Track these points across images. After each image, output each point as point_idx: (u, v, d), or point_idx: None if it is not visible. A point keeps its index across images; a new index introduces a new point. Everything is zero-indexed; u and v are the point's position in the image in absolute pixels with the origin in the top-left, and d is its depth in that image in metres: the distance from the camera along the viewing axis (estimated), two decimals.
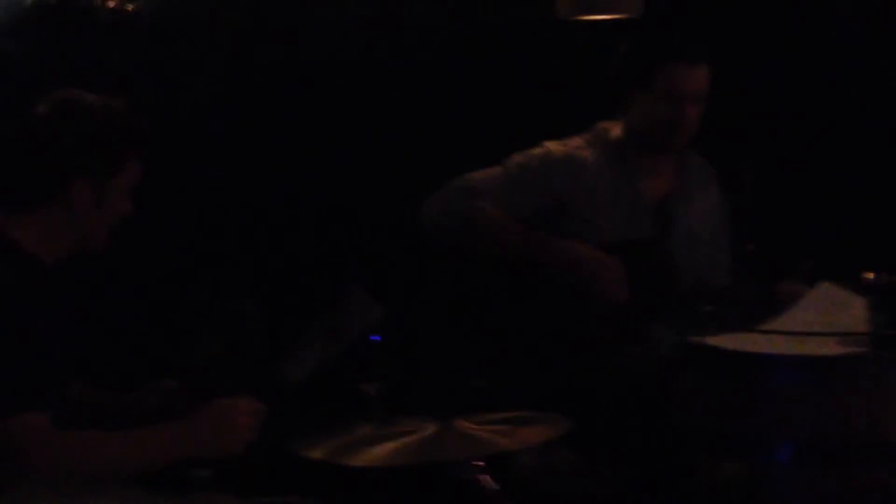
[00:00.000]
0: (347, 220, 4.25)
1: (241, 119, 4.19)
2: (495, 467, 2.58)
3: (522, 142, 3.55)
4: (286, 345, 2.67)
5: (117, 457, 2.45)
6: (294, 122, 4.22)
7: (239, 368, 2.69)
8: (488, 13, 4.21)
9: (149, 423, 2.56)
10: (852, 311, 2.81)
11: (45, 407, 2.42)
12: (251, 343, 2.80)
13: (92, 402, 2.79)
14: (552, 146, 3.52)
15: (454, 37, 4.24)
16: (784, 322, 2.91)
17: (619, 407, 3.20)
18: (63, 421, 2.45)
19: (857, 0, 4.09)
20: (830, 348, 2.69)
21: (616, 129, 3.54)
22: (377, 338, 2.69)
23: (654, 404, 2.99)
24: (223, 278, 4.13)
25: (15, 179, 2.61)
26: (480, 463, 2.55)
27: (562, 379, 3.27)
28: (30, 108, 2.63)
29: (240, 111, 4.19)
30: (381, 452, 2.46)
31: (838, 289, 2.97)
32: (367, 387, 2.68)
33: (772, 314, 2.96)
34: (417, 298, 4.08)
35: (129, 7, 3.82)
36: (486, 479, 2.55)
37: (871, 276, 2.72)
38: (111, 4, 3.80)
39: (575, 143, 3.54)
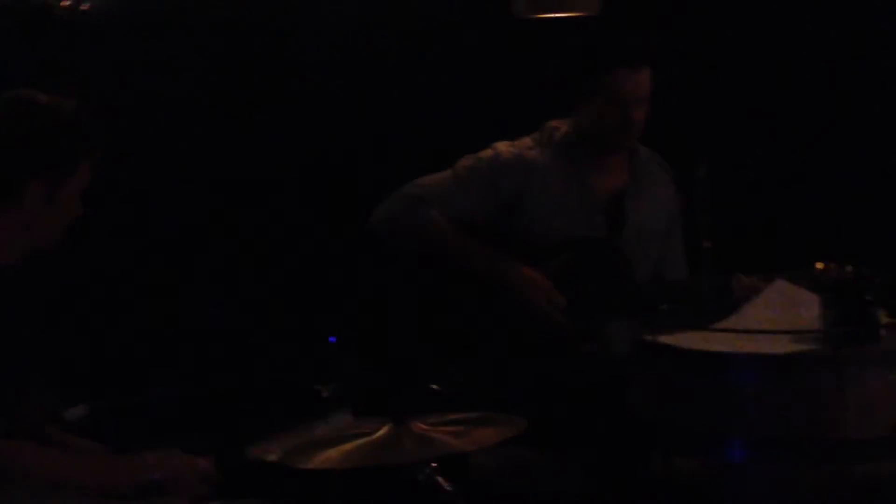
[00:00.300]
0: (306, 223, 4.24)
1: (202, 118, 4.17)
2: (451, 468, 2.58)
3: (476, 141, 3.55)
4: (261, 430, 2.65)
5: (50, 473, 2.44)
6: (254, 123, 4.21)
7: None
8: (445, 11, 4.21)
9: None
10: (805, 309, 2.83)
11: None
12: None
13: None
14: (501, 147, 3.52)
15: (408, 35, 4.23)
16: (738, 320, 2.93)
17: (576, 405, 3.21)
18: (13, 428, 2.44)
19: None
20: (784, 346, 2.71)
21: (565, 128, 3.54)
22: (333, 339, 2.68)
23: (610, 402, 3.00)
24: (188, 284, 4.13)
25: None
26: (436, 464, 2.55)
27: (518, 378, 3.28)
28: None
29: (201, 110, 4.18)
30: (336, 454, 2.45)
31: (792, 287, 2.99)
32: (323, 388, 2.68)
33: (728, 310, 2.98)
34: (373, 300, 4.08)
35: (85, 6, 3.79)
36: (442, 481, 2.55)
37: (821, 266, 2.73)
38: (66, 4, 3.77)
39: (524, 144, 3.54)
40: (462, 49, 4.25)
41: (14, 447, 2.43)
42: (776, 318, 2.89)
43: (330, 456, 2.45)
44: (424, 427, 2.52)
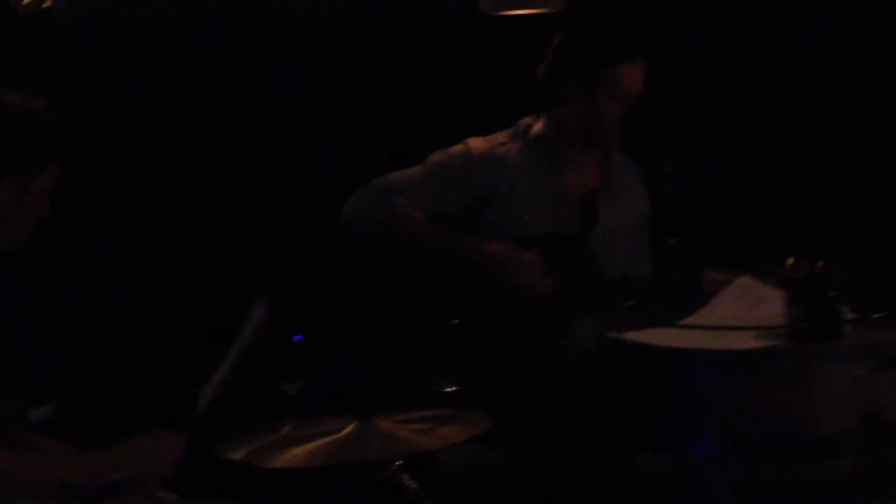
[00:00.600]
0: (267, 220, 4.23)
1: (164, 116, 4.15)
2: (416, 466, 2.57)
3: (445, 138, 3.54)
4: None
5: (15, 473, 2.43)
6: (217, 120, 4.19)
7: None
8: (411, 8, 4.20)
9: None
10: (770, 305, 2.84)
11: None
12: None
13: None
14: (473, 143, 3.52)
15: (375, 33, 4.22)
16: (703, 316, 2.94)
17: (542, 402, 3.21)
18: None
19: None
20: (748, 342, 2.72)
21: (539, 125, 3.55)
22: (298, 337, 2.68)
23: (577, 399, 3.01)
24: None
25: None
26: (401, 462, 2.54)
27: (483, 375, 3.28)
28: None
29: (163, 109, 4.16)
30: (300, 453, 2.44)
31: (756, 283, 3.00)
32: (288, 387, 2.67)
33: (693, 307, 2.99)
34: (338, 297, 4.07)
35: (47, 4, 3.77)
36: (407, 479, 2.55)
37: (791, 261, 2.73)
38: (26, 2, 3.74)
39: (497, 139, 3.54)
40: (430, 46, 4.24)
41: None
42: (741, 314, 2.90)
43: (295, 454, 2.44)
44: (390, 425, 2.52)
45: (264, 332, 2.61)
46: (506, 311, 3.33)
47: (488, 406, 2.61)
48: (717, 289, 3.09)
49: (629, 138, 3.52)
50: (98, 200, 4.00)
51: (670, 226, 3.40)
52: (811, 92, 4.08)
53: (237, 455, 2.47)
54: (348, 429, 2.51)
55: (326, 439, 2.48)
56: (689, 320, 2.94)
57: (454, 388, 2.91)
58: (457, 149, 3.51)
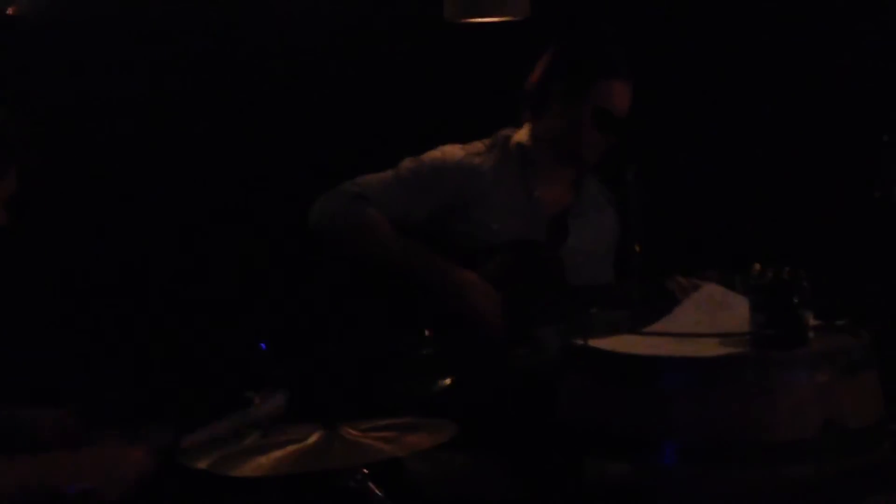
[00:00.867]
0: (236, 223, 4.21)
1: (133, 120, 4.13)
2: (382, 474, 2.57)
3: (412, 145, 3.54)
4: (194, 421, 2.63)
5: None
6: (187, 125, 4.18)
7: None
8: (376, 14, 4.20)
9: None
10: (734, 312, 2.85)
11: None
12: None
13: None
14: (449, 151, 3.52)
15: (340, 38, 4.22)
16: (668, 323, 2.95)
17: (507, 409, 3.21)
18: None
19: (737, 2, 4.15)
20: (713, 349, 2.73)
21: (518, 137, 3.54)
22: (263, 345, 2.67)
23: (541, 406, 3.00)
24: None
25: None
26: (366, 470, 2.54)
27: (451, 383, 3.27)
28: None
29: (132, 113, 4.14)
30: (266, 462, 2.43)
31: (721, 289, 3.01)
32: (253, 395, 2.66)
33: (657, 314, 3.00)
34: (303, 304, 4.06)
35: (10, 10, 3.75)
36: (373, 487, 2.55)
37: (758, 267, 2.75)
38: None
39: (473, 149, 3.54)
40: (395, 53, 4.25)
41: None
42: (705, 321, 2.92)
43: (260, 463, 2.44)
44: (355, 433, 2.52)
45: (275, 421, 2.60)
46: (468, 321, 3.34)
47: (453, 413, 2.61)
48: (684, 294, 3.10)
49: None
50: (64, 206, 3.98)
51: (634, 233, 3.41)
52: (779, 97, 4.11)
53: (202, 464, 2.46)
54: (314, 437, 2.50)
55: (292, 448, 2.47)
56: (653, 327, 2.95)
57: (420, 395, 2.91)
58: (430, 155, 3.50)
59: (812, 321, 2.78)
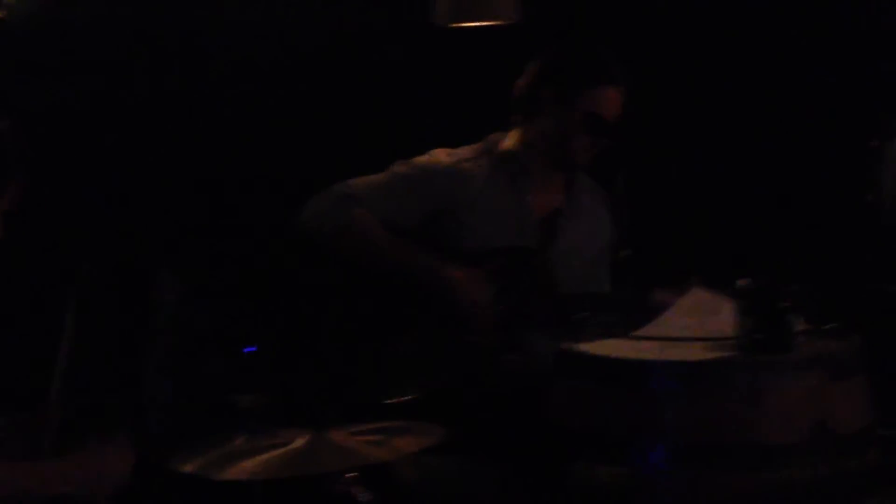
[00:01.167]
0: (225, 227, 4.21)
1: (117, 125, 4.13)
2: (370, 478, 2.56)
3: (401, 149, 3.54)
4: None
5: None
6: (172, 125, 4.17)
7: None
8: (365, 18, 4.20)
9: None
10: (722, 316, 2.85)
11: None
12: None
13: None
14: (439, 155, 3.51)
15: (330, 41, 4.22)
16: (656, 328, 2.95)
17: (497, 413, 3.21)
18: None
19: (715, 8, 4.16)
20: (701, 353, 2.73)
21: (508, 142, 3.54)
22: (249, 350, 2.66)
23: (532, 410, 3.00)
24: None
25: None
26: (354, 474, 2.53)
27: (440, 386, 3.27)
28: None
29: (116, 118, 4.13)
30: (252, 465, 2.42)
31: (709, 294, 3.02)
32: (241, 398, 2.66)
33: (646, 320, 3.00)
34: (292, 309, 4.06)
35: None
36: (360, 491, 2.54)
37: (744, 283, 2.76)
38: None
39: (464, 154, 3.54)
40: (384, 57, 4.25)
41: None
42: (694, 325, 2.92)
43: (247, 467, 2.43)
44: (343, 437, 2.51)
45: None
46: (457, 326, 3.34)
47: (442, 417, 2.61)
48: (664, 306, 3.10)
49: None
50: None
51: (623, 239, 3.41)
52: (769, 102, 4.12)
53: (188, 467, 2.45)
54: (301, 441, 2.49)
55: (279, 451, 2.46)
56: (642, 331, 2.95)
57: (408, 398, 2.90)
58: (421, 160, 3.50)
59: (803, 325, 2.79)
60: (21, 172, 2.60)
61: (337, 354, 3.38)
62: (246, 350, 2.63)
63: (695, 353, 2.73)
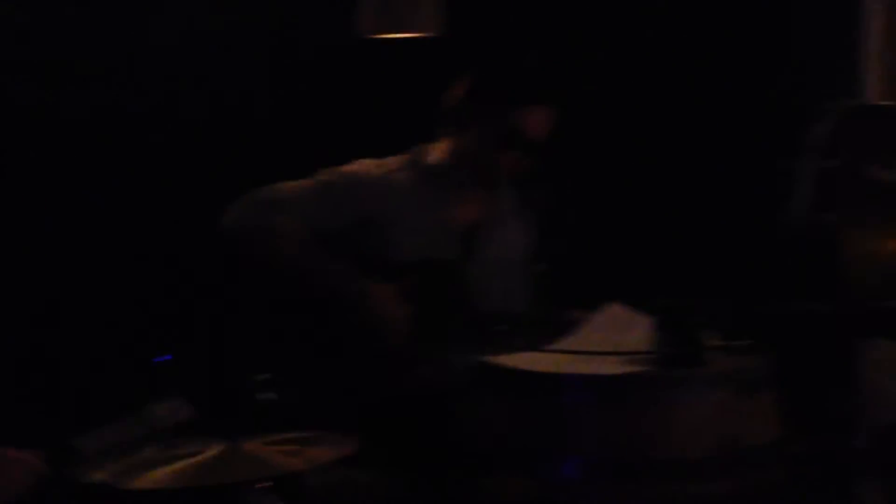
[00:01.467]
0: (144, 232, 4.17)
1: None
2: (283, 488, 2.55)
3: (326, 159, 3.54)
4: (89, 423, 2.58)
5: None
6: (85, 136, 4.13)
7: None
8: (291, 29, 4.19)
9: None
10: (637, 331, 2.88)
11: None
12: None
13: None
14: (365, 165, 3.51)
15: (257, 53, 4.21)
16: (572, 342, 2.97)
17: (409, 425, 3.21)
18: None
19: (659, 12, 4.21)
20: (615, 367, 2.75)
21: (436, 153, 3.55)
22: (159, 359, 2.64)
23: (444, 422, 3.01)
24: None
25: None
26: (267, 484, 2.52)
27: (353, 397, 3.27)
28: None
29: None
30: (164, 475, 2.41)
31: (625, 310, 3.04)
32: (154, 407, 2.63)
33: (561, 334, 3.03)
34: (208, 315, 4.04)
35: None
36: (274, 501, 2.53)
37: (660, 299, 2.80)
38: None
39: (390, 164, 3.53)
40: (309, 68, 4.24)
41: None
42: (609, 339, 2.94)
43: (157, 476, 2.41)
44: (256, 446, 2.51)
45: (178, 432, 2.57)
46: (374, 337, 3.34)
47: (356, 428, 2.61)
48: (580, 322, 3.12)
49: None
50: None
51: (540, 253, 3.44)
52: (678, 125, 4.17)
53: (97, 476, 2.43)
54: (213, 450, 2.48)
55: (191, 461, 2.45)
56: (558, 345, 2.97)
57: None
58: (346, 169, 3.49)
59: (717, 342, 2.83)
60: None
61: (251, 363, 3.36)
62: (157, 360, 2.61)
63: (609, 367, 2.75)
